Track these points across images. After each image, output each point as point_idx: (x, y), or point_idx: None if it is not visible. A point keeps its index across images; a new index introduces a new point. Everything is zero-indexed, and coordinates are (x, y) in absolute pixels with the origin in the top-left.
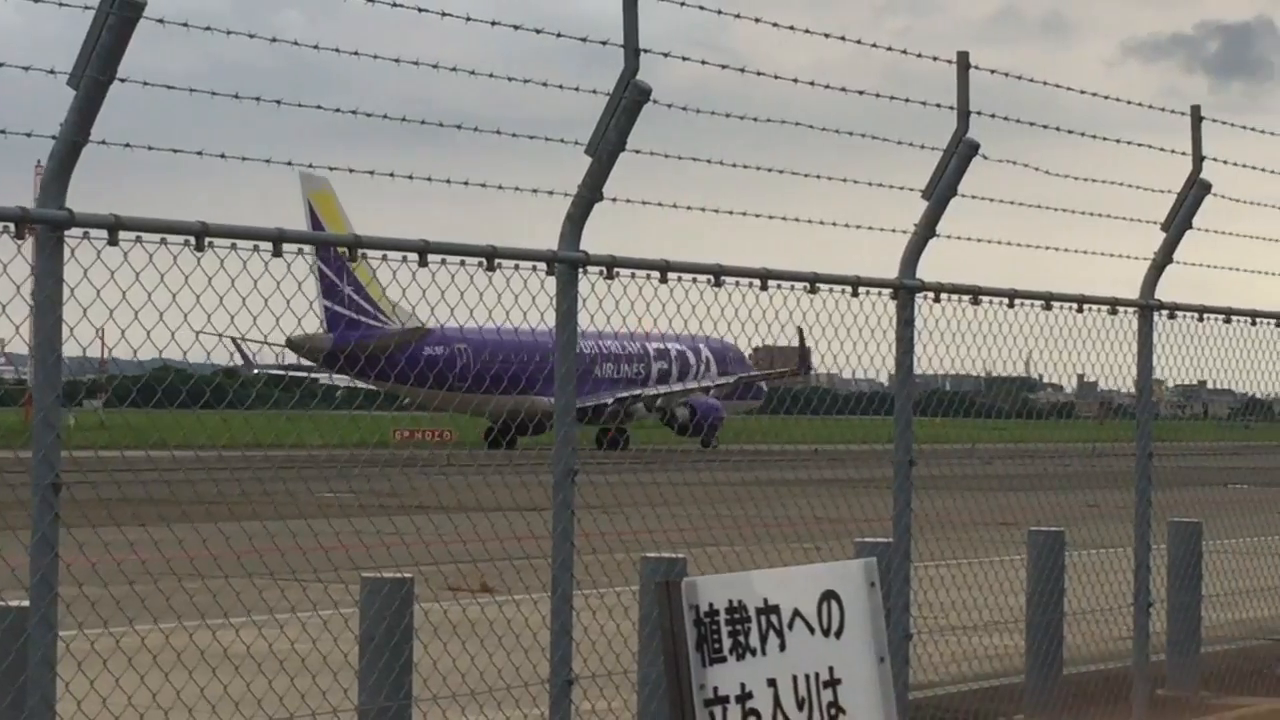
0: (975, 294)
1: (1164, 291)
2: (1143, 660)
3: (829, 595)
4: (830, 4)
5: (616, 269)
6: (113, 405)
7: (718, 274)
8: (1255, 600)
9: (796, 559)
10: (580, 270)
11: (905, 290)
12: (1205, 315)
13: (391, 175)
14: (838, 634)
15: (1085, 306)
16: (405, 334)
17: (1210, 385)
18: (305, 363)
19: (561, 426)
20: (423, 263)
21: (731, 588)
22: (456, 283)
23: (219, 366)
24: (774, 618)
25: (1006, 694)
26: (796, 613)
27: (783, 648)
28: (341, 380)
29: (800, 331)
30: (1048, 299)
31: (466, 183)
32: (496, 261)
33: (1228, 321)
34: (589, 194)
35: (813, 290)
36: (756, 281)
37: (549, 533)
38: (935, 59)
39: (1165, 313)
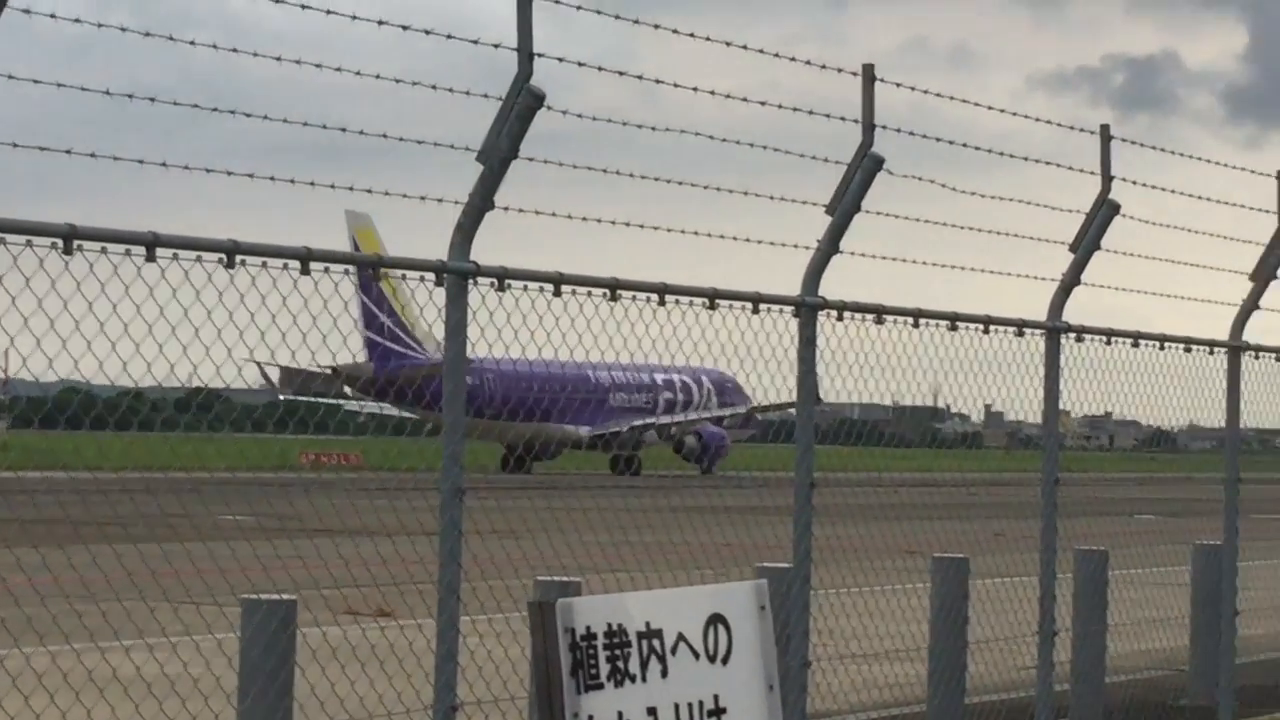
0: (879, 312)
1: (1074, 317)
2: (1046, 690)
3: (716, 619)
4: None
5: (509, 281)
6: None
7: (614, 287)
8: (1159, 630)
9: (695, 584)
10: (471, 282)
11: (807, 308)
12: (1113, 339)
13: (272, 179)
14: (724, 660)
15: (992, 328)
16: (434, 367)
17: (1116, 416)
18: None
19: (449, 444)
20: (304, 270)
21: (611, 610)
22: (340, 291)
23: (124, 389)
24: (656, 642)
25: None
26: (681, 637)
27: (665, 674)
28: (389, 409)
29: None
30: (953, 319)
31: (352, 188)
32: (383, 271)
33: (1135, 345)
34: (480, 203)
35: (712, 306)
36: (654, 296)
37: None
38: (840, 70)
39: (1073, 336)
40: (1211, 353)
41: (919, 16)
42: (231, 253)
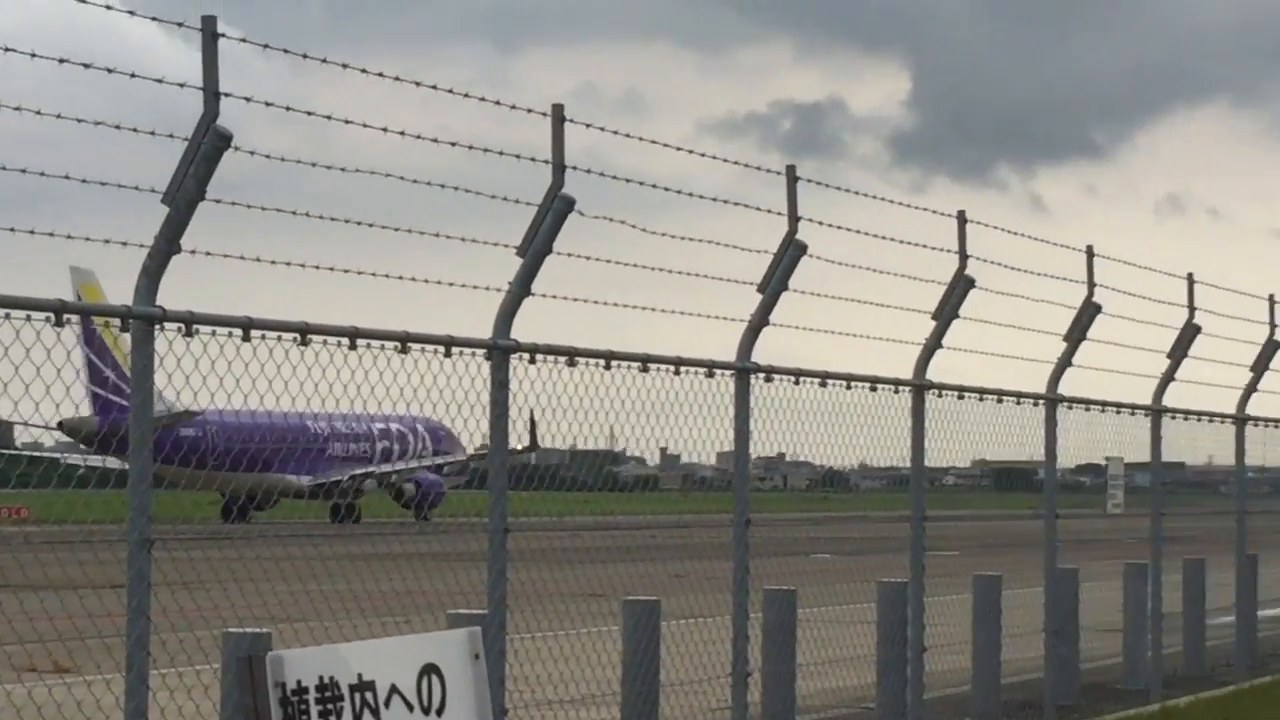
0: (571, 355)
1: (773, 359)
2: None
3: (430, 669)
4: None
5: (196, 325)
6: None
7: (304, 332)
8: (844, 669)
9: (389, 633)
10: (158, 327)
11: (499, 350)
12: (801, 379)
13: None
14: (439, 711)
15: (683, 369)
16: (171, 417)
17: (789, 457)
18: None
19: (136, 495)
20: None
21: (323, 662)
22: (22, 339)
23: None
24: (369, 695)
25: None
26: (394, 689)
27: None
28: (110, 462)
29: (532, 416)
30: (645, 360)
31: (33, 231)
32: (66, 318)
33: (823, 385)
34: (166, 246)
35: (403, 350)
36: (345, 340)
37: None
38: (530, 111)
39: (762, 376)
40: (897, 391)
41: (590, 63)
42: None
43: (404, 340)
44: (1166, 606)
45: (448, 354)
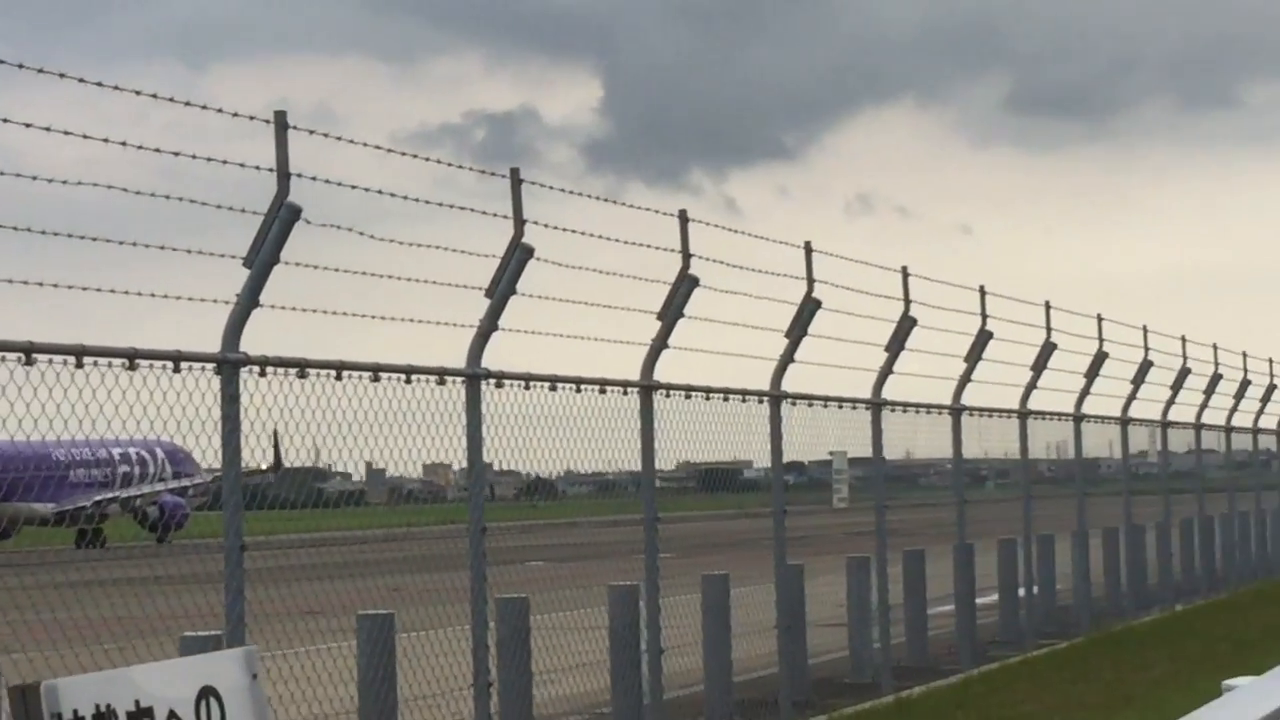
0: (303, 366)
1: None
2: None
3: (207, 691)
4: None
5: None
6: None
7: (28, 351)
8: (577, 675)
9: (115, 662)
10: None
11: (229, 364)
12: (531, 384)
13: None
14: None
15: (414, 377)
16: None
17: (496, 467)
18: None
19: None
20: None
21: (99, 689)
22: None
23: None
24: None
25: None
26: (172, 714)
27: None
28: None
29: (275, 433)
30: (375, 370)
31: None
32: None
33: (553, 389)
34: None
35: (131, 367)
36: (71, 358)
37: None
38: (252, 118)
39: (493, 382)
40: (625, 393)
41: (280, 78)
42: None
43: (132, 356)
44: (889, 599)
45: (176, 369)
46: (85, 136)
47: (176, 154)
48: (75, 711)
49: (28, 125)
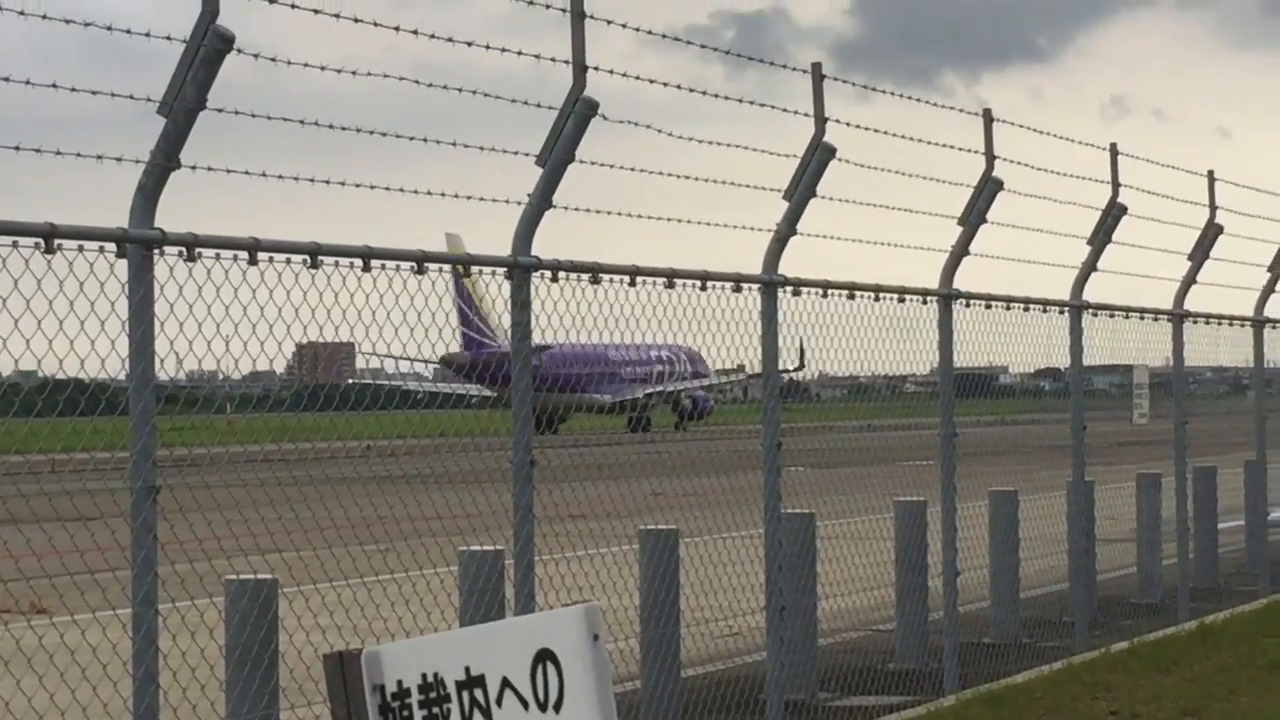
0: (595, 271)
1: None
2: (777, 664)
3: (544, 656)
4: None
5: (199, 249)
6: None
7: (314, 253)
8: (849, 589)
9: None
10: (157, 251)
11: (520, 269)
12: (829, 291)
13: None
14: (556, 707)
15: (709, 284)
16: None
17: (749, 370)
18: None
19: (138, 437)
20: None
21: (425, 657)
22: (9, 268)
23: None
24: (479, 692)
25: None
26: (506, 683)
27: None
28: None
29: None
30: (670, 276)
31: (18, 147)
32: (57, 243)
33: (851, 298)
34: (164, 160)
35: (420, 270)
36: (359, 261)
37: (111, 544)
38: (549, 7)
39: (789, 290)
40: (925, 302)
41: None
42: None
43: (420, 260)
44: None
45: (466, 274)
46: (356, 20)
47: (470, 44)
48: (399, 683)
49: (316, 12)
